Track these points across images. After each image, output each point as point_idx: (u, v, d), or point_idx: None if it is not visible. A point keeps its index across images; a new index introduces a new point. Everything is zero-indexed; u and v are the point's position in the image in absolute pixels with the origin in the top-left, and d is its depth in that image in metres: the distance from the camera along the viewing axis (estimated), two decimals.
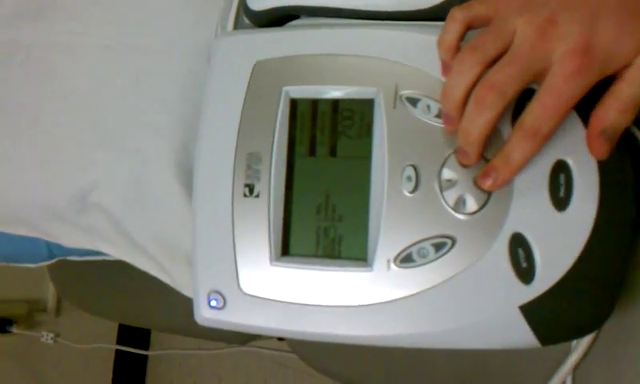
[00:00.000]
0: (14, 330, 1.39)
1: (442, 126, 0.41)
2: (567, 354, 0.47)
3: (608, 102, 0.37)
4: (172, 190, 0.54)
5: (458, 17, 0.39)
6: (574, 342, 0.46)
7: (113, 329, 1.69)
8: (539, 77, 0.37)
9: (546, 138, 0.37)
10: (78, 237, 0.61)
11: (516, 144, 0.38)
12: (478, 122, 0.37)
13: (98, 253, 0.67)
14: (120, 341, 1.68)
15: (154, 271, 0.58)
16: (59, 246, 0.71)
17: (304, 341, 0.60)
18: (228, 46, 0.48)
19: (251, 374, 1.59)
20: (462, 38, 0.40)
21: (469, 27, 0.40)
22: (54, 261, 0.74)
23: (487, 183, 0.40)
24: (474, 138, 0.38)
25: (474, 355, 0.51)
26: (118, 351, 1.72)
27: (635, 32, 0.36)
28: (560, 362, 0.47)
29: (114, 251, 0.59)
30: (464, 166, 0.41)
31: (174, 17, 0.56)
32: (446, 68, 0.41)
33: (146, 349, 1.69)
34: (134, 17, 0.57)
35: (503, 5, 0.38)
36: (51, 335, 1.36)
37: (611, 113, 0.36)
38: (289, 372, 1.51)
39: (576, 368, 0.47)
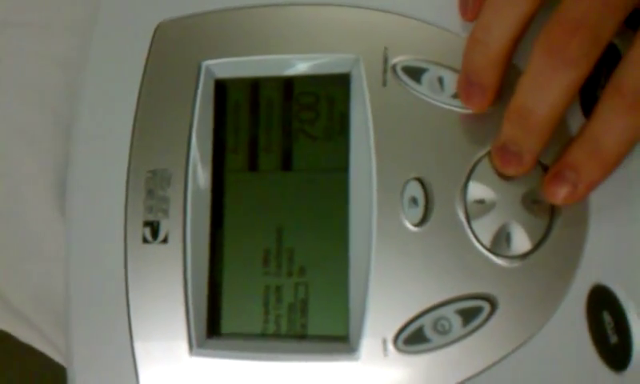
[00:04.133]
0: None
1: (465, 110, 0.25)
2: None
3: None
4: (53, 224, 0.37)
5: None
6: None
7: None
8: None
9: None
10: None
11: (611, 118, 0.21)
12: (550, 89, 0.21)
13: None
14: None
15: (37, 343, 0.40)
16: None
17: None
18: (116, 3, 0.30)
19: None
20: None
21: None
22: None
23: (561, 193, 0.23)
24: (540, 119, 0.21)
25: None
26: None
27: None
28: None
29: None
30: (506, 176, 0.24)
31: None
32: (473, 6, 0.24)
33: None
34: None
35: None
36: None
37: None
38: None
39: None
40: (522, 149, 0.22)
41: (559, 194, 0.22)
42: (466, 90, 0.24)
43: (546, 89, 0.20)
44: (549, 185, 0.23)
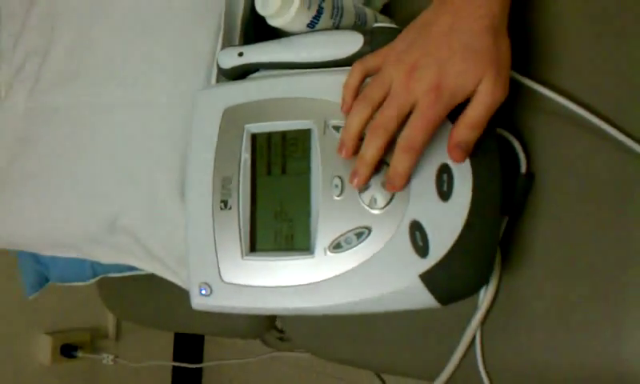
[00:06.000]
0: (79, 354, 1.58)
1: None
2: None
3: (459, 123, 0.50)
4: (176, 210, 0.70)
5: (357, 67, 0.54)
6: (480, 302, 0.59)
7: (168, 347, 1.87)
8: (413, 108, 0.51)
9: (419, 151, 0.51)
10: (110, 254, 0.77)
11: (398, 158, 0.52)
12: (369, 149, 0.52)
13: (130, 268, 0.84)
14: (175, 357, 1.86)
15: (167, 275, 0.74)
16: (100, 265, 0.88)
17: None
18: (205, 97, 0.64)
19: (305, 380, 1.72)
20: (361, 82, 0.54)
21: (366, 75, 0.54)
22: (97, 278, 0.91)
23: (388, 187, 0.54)
24: (367, 162, 0.53)
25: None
26: (174, 367, 1.89)
27: (473, 69, 0.49)
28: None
29: (138, 263, 0.75)
30: (359, 185, 0.55)
31: (170, 76, 0.72)
32: (346, 107, 0.55)
33: (200, 362, 1.86)
34: (139, 77, 0.73)
35: (384, 58, 0.53)
36: (111, 357, 1.53)
37: (462, 130, 0.50)
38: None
39: (483, 323, 0.60)
40: (362, 172, 0.53)
41: (388, 188, 0.53)
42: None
43: (368, 150, 0.51)
44: (386, 184, 0.53)
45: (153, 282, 0.80)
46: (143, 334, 1.77)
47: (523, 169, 0.58)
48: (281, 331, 1.55)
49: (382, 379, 1.06)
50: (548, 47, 0.59)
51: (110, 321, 1.72)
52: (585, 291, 0.55)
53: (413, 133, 0.50)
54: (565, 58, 0.59)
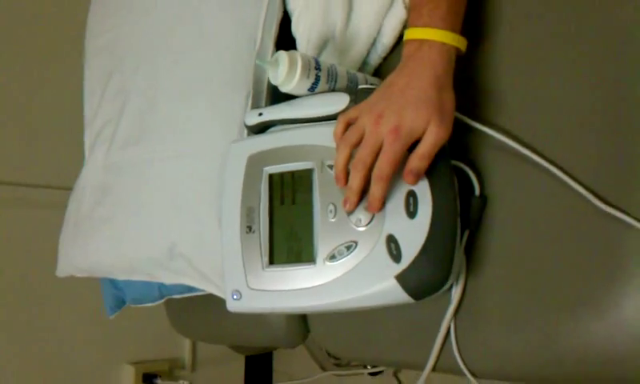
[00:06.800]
0: (159, 382, 1.79)
1: None
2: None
3: (412, 155, 0.67)
4: (217, 236, 0.88)
5: (341, 119, 0.72)
6: (451, 298, 0.74)
7: (239, 374, 2.06)
8: (381, 146, 0.68)
9: (388, 179, 0.68)
10: (171, 276, 0.96)
11: (374, 186, 0.68)
12: (354, 180, 0.69)
13: (189, 289, 1.03)
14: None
15: (213, 290, 0.92)
16: (165, 287, 1.08)
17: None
18: (235, 148, 0.83)
19: None
20: (345, 130, 0.72)
21: (348, 124, 0.72)
22: (163, 299, 1.11)
23: (369, 209, 0.70)
24: (353, 190, 0.69)
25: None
26: None
27: (423, 115, 0.66)
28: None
29: (191, 282, 0.94)
30: (349, 209, 0.72)
31: (210, 132, 0.91)
32: (336, 148, 0.73)
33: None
34: (187, 135, 0.93)
35: (360, 111, 0.70)
36: (187, 383, 1.74)
37: (414, 160, 0.67)
38: None
39: (455, 316, 0.75)
40: (351, 198, 0.70)
41: (369, 210, 0.70)
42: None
43: (353, 180, 0.68)
44: (368, 207, 0.70)
45: (208, 301, 0.98)
46: (216, 364, 1.97)
47: (477, 192, 0.73)
48: (336, 358, 1.72)
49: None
50: (493, 96, 0.75)
51: (186, 352, 1.93)
52: (528, 290, 0.70)
53: (381, 165, 0.67)
54: (504, 103, 0.74)
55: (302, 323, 1.02)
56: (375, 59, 0.90)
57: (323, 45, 0.90)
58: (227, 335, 1.16)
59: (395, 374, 1.61)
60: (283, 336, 1.06)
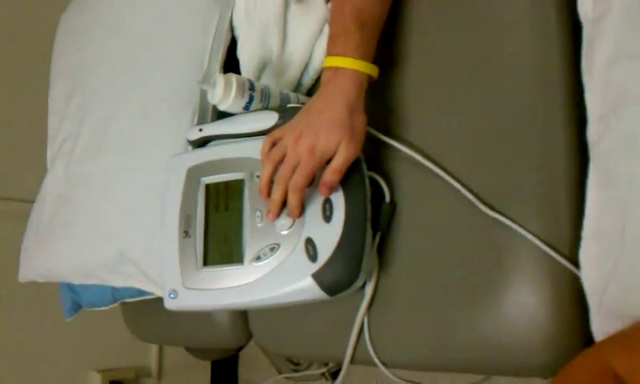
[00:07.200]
0: None
1: None
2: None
3: (326, 170, 0.75)
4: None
5: (267, 138, 0.80)
6: (365, 294, 0.83)
7: (205, 382, 2.11)
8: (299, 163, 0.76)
9: (302, 191, 0.76)
10: (121, 279, 1.04)
11: (290, 196, 0.77)
12: (275, 194, 0.77)
13: (140, 293, 1.10)
14: None
15: (159, 293, 1.00)
16: (118, 291, 1.15)
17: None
18: (176, 160, 0.91)
19: None
20: (271, 147, 0.80)
21: (274, 142, 0.80)
22: (117, 303, 1.18)
23: (290, 216, 0.79)
24: (275, 202, 0.78)
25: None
26: None
27: (335, 135, 0.74)
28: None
29: (140, 285, 1.02)
30: (271, 219, 0.80)
31: (163, 148, 1.00)
32: (262, 164, 0.81)
33: None
34: (140, 150, 1.01)
35: (284, 131, 0.79)
36: None
37: (327, 174, 0.75)
38: None
39: (369, 309, 0.83)
40: (273, 209, 0.78)
41: (290, 216, 0.79)
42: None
43: (275, 193, 0.77)
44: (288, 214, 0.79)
45: (160, 305, 1.04)
46: (182, 371, 2.03)
47: (387, 199, 0.82)
48: (295, 363, 1.79)
49: None
50: (403, 114, 0.84)
51: (153, 360, 1.98)
52: (429, 285, 0.78)
53: (296, 179, 0.76)
54: (413, 121, 0.84)
55: (244, 323, 1.09)
56: (308, 81, 0.99)
57: (262, 68, 0.99)
58: (178, 336, 1.23)
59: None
60: (229, 336, 1.13)
